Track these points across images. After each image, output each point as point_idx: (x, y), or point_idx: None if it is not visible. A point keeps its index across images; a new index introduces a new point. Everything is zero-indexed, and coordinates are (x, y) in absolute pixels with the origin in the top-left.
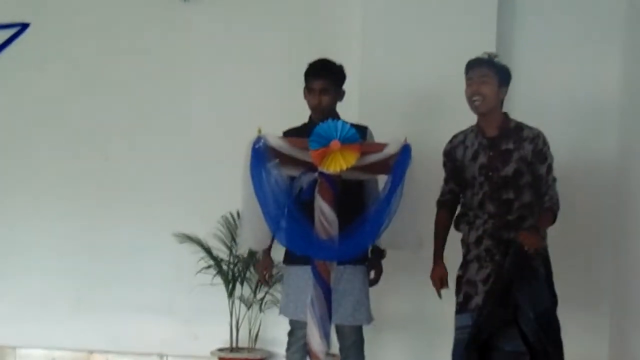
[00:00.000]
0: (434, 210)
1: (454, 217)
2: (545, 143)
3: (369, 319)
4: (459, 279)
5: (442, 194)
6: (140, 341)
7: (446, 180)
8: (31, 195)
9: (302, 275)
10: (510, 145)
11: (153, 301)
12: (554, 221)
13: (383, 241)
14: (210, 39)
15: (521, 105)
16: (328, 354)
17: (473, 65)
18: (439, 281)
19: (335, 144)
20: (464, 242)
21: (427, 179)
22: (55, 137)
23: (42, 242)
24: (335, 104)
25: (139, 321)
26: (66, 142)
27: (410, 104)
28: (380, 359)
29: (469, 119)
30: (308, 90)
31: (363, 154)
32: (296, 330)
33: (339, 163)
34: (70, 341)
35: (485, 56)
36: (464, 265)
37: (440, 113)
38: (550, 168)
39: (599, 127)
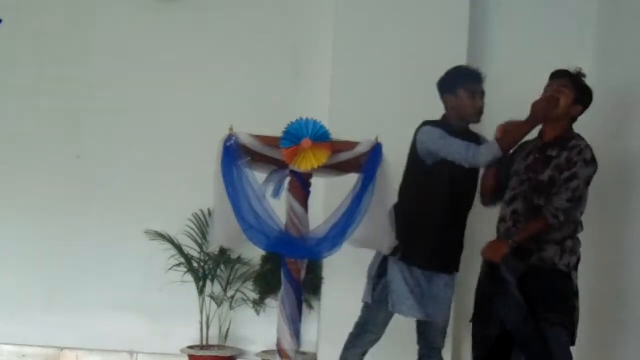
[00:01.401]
0: None
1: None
2: (580, 154)
3: None
4: None
5: None
6: (111, 338)
7: None
8: (1, 193)
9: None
10: (554, 153)
11: (124, 298)
12: (544, 230)
13: (354, 240)
14: (184, 38)
15: (493, 106)
16: (298, 353)
17: (557, 75)
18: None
19: (306, 142)
20: None
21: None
22: (26, 134)
23: (12, 240)
24: None
25: (110, 318)
26: (37, 140)
27: (382, 106)
28: None
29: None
30: (470, 94)
31: (334, 152)
32: (367, 335)
33: (310, 161)
34: (41, 338)
35: (573, 70)
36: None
37: (412, 116)
38: (572, 177)
39: None
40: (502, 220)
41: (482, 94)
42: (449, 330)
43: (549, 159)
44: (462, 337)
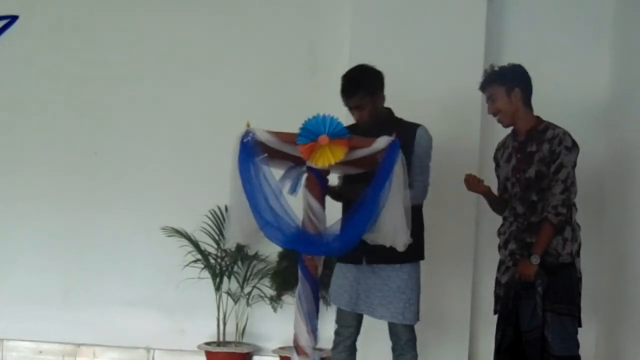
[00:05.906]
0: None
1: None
2: (561, 143)
3: (417, 318)
4: (496, 280)
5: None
6: (128, 335)
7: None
8: (19, 189)
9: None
10: (534, 148)
11: (140, 295)
12: (554, 231)
13: (370, 237)
14: (201, 35)
15: None
16: (315, 349)
17: (481, 90)
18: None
19: (323, 138)
20: (498, 246)
21: None
22: (43, 131)
23: (30, 236)
24: (379, 108)
25: (126, 315)
26: (54, 136)
27: (399, 102)
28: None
29: (455, 119)
30: (348, 107)
31: (351, 148)
32: (342, 329)
33: (327, 158)
34: (58, 334)
35: (484, 75)
36: (498, 267)
37: (427, 114)
38: (559, 168)
39: (588, 126)
40: (504, 220)
41: (357, 108)
42: (466, 325)
43: (530, 155)
44: (478, 332)
